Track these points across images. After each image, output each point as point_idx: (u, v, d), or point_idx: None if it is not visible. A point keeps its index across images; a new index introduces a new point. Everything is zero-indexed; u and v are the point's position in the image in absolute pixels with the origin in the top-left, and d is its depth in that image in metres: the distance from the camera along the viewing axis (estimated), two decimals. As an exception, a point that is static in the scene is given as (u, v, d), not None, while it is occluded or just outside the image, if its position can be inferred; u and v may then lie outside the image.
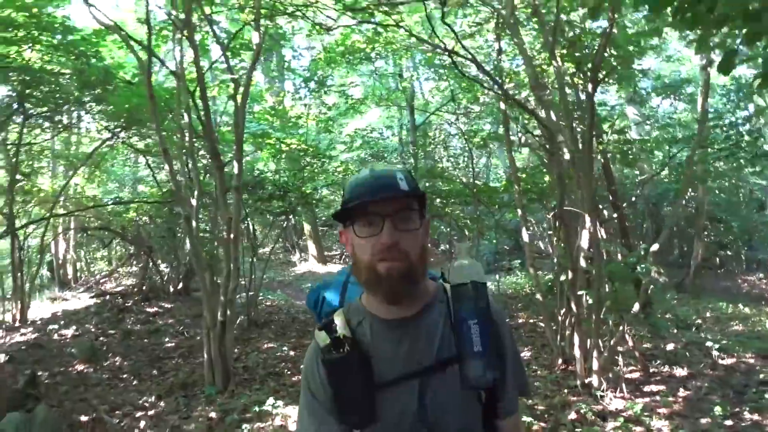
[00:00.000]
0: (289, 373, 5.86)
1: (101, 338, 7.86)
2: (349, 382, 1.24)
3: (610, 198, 7.26)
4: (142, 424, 4.58)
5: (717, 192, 12.63)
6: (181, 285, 11.00)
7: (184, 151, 5.64)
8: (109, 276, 14.03)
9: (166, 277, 11.28)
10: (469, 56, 5.54)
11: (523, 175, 7.19)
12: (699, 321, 8.06)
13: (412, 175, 1.32)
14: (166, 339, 7.76)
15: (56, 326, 8.60)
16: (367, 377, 1.23)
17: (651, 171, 9.67)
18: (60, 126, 9.39)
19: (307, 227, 15.99)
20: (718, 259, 13.86)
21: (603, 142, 6.31)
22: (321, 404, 1.27)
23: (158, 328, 8.48)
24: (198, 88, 5.01)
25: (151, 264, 11.01)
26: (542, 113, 4.74)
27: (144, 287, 10.80)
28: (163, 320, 8.95)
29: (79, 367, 6.58)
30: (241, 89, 5.34)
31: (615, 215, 7.20)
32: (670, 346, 6.10)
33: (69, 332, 8.32)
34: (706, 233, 12.69)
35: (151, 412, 4.84)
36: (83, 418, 4.80)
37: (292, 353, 6.69)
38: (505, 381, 1.30)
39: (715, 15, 2.11)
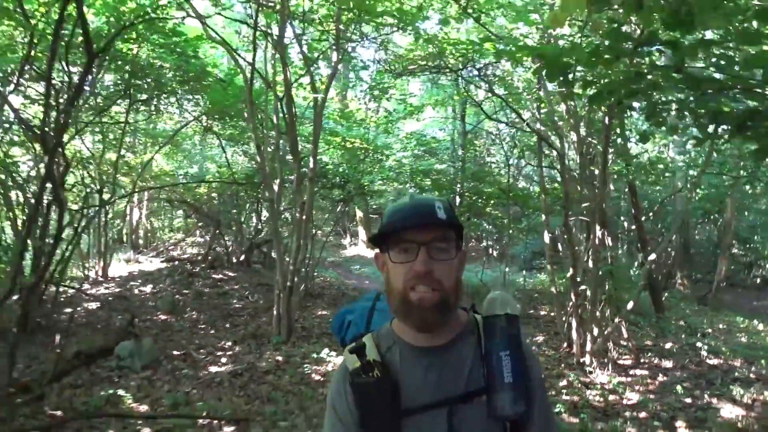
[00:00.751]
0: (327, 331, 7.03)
1: (177, 296, 9.10)
2: (377, 407, 1.25)
3: (632, 211, 8.14)
4: (224, 359, 5.82)
5: (746, 213, 13.12)
6: (243, 257, 12.22)
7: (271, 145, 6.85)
8: (177, 244, 15.36)
9: (230, 249, 12.54)
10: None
11: (555, 185, 8.12)
12: (709, 330, 8.79)
13: (452, 206, 1.35)
14: (234, 300, 9.00)
15: (135, 283, 9.83)
16: (394, 403, 1.24)
17: (678, 188, 10.35)
18: (156, 111, 10.68)
19: (359, 214, 17.20)
20: (747, 278, 14.32)
21: (625, 163, 7.18)
22: (346, 427, 1.28)
23: (225, 291, 9.70)
24: (285, 96, 6.19)
25: (217, 236, 12.28)
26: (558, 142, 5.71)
27: (209, 256, 12.02)
28: (228, 286, 10.15)
29: (162, 317, 7.84)
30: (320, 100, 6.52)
31: (634, 227, 8.08)
32: (668, 345, 6.99)
33: (147, 289, 9.53)
34: (734, 251, 13.20)
35: (229, 353, 6.07)
36: (175, 353, 6.07)
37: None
38: (531, 415, 1.27)
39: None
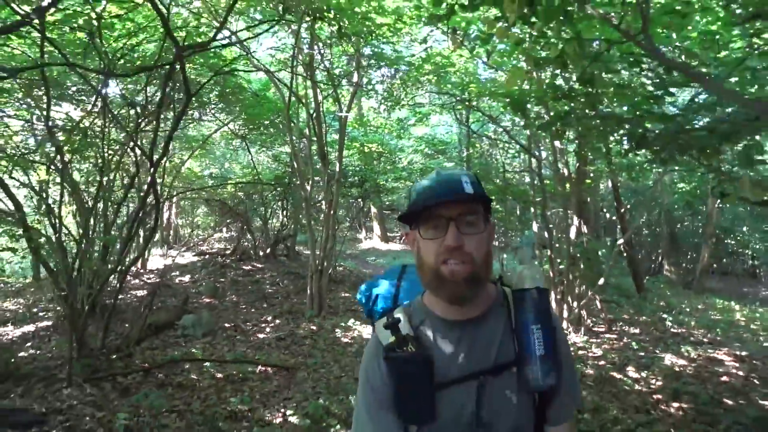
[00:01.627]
0: (361, 311, 8.29)
1: (215, 284, 10.35)
2: (412, 381, 1.26)
3: (615, 203, 9.32)
4: (267, 329, 7.08)
5: (727, 205, 14.15)
6: (269, 250, 13.45)
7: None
8: (206, 240, 16.56)
9: (257, 243, 13.75)
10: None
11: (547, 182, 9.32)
12: (687, 309, 9.93)
13: (479, 179, 1.32)
14: (267, 286, 10.24)
15: (174, 274, 11.09)
16: (429, 377, 1.25)
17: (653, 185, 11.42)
18: (193, 120, 11.92)
19: (373, 210, 18.46)
20: (736, 266, 15.41)
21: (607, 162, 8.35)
22: (380, 401, 1.29)
23: (257, 279, 10.92)
24: (315, 112, 7.45)
25: (245, 231, 13.47)
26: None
27: (238, 250, 13.19)
28: (259, 275, 11.37)
29: (206, 300, 9.09)
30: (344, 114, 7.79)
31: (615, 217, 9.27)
32: (642, 318, 8.17)
33: (186, 279, 10.74)
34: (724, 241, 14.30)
35: (271, 325, 7.33)
36: (226, 325, 7.34)
37: (362, 298, 9.11)
38: (560, 387, 1.28)
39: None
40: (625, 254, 10.26)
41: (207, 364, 5.43)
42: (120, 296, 8.46)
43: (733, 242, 15.19)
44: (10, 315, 7.98)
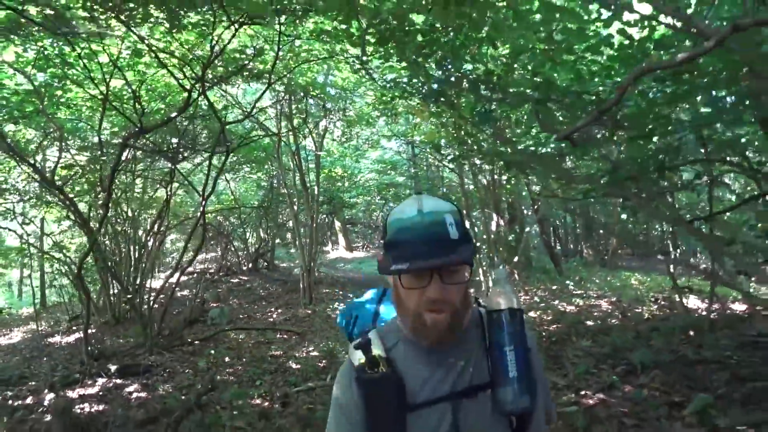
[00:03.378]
0: (340, 301, 10.70)
1: (216, 292, 12.54)
2: (383, 402, 1.25)
3: (531, 201, 11.99)
4: (274, 316, 9.39)
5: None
6: (251, 264, 15.64)
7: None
8: (191, 261, 18.56)
9: (240, 259, 15.89)
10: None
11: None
12: (597, 280, 12.57)
13: (461, 214, 1.28)
14: (260, 291, 12.52)
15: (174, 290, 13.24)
16: (400, 398, 1.24)
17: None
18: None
19: (338, 224, 20.88)
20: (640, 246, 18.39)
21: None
22: (352, 424, 1.29)
23: (249, 287, 13.18)
24: (296, 150, 9.87)
25: (228, 248, 15.59)
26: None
27: (223, 266, 15.27)
28: (249, 284, 13.65)
29: (213, 305, 11.31)
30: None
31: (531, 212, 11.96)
32: (554, 287, 10.77)
33: (185, 292, 12.92)
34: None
35: (275, 313, 9.64)
36: (241, 316, 9.61)
37: (339, 293, 11.50)
38: (536, 407, 1.25)
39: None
40: (543, 241, 12.98)
41: (242, 335, 7.76)
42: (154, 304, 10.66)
43: (633, 228, 18.13)
44: (52, 329, 10.09)
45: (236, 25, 5.40)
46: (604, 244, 17.58)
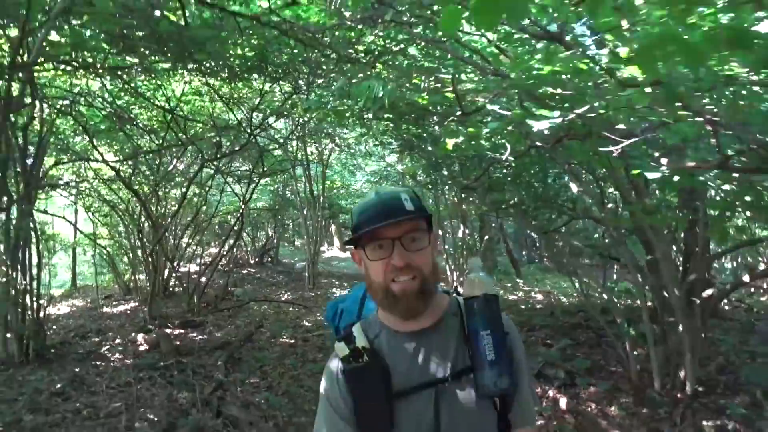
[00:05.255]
0: (337, 287, 13.25)
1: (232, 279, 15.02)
2: (369, 392, 1.30)
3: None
4: (285, 296, 11.91)
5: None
6: (258, 259, 18.13)
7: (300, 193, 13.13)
8: (202, 253, 21.03)
9: (248, 254, 18.38)
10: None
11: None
12: (547, 281, 15.19)
13: (417, 195, 1.36)
14: (268, 280, 15.03)
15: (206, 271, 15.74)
16: (386, 386, 1.29)
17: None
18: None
19: (333, 227, 23.46)
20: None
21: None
22: (340, 415, 1.32)
23: (258, 277, 15.68)
24: (307, 168, 12.44)
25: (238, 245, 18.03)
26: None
27: (232, 259, 17.70)
28: (258, 275, 16.14)
29: (231, 289, 13.80)
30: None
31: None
32: (508, 284, 13.37)
33: (203, 280, 15.46)
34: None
35: (285, 295, 12.15)
36: (257, 296, 12.11)
37: (336, 282, 14.05)
38: (518, 390, 1.32)
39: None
40: (505, 248, 15.63)
41: (264, 306, 10.30)
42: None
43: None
44: (93, 305, 12.48)
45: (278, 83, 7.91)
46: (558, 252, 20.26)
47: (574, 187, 5.87)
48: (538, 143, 2.99)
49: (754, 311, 9.56)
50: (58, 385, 5.63)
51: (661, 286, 5.08)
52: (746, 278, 6.68)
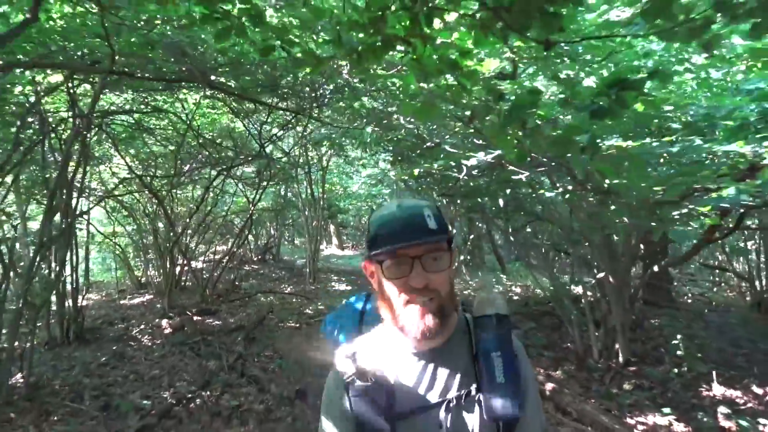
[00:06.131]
0: (336, 281, 14.39)
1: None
2: (372, 412, 1.27)
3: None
4: (288, 289, 13.05)
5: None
6: (260, 256, 19.26)
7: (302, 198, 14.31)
8: (207, 251, 22.21)
9: (251, 252, 19.49)
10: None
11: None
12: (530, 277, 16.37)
13: (440, 211, 1.32)
14: (272, 275, 16.15)
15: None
16: (389, 407, 1.26)
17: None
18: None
19: (332, 226, 24.63)
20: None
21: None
22: None
23: (261, 273, 16.79)
24: (308, 174, 13.59)
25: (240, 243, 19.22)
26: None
27: (234, 256, 18.90)
28: (261, 271, 17.26)
29: (237, 283, 14.95)
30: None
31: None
32: (494, 279, 14.54)
33: (215, 273, 16.63)
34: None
35: (288, 288, 13.28)
36: (262, 289, 13.24)
37: (334, 278, 15.19)
38: (525, 414, 1.29)
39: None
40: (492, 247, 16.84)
41: (270, 297, 11.44)
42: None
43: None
44: (108, 298, 13.58)
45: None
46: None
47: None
48: (474, 171, 4.17)
49: (713, 304, 10.73)
50: (103, 359, 6.76)
51: (600, 279, 6.25)
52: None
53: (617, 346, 6.02)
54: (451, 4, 1.91)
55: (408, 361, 1.33)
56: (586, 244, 6.35)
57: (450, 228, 1.38)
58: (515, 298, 10.94)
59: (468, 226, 16.12)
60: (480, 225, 15.62)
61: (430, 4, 1.91)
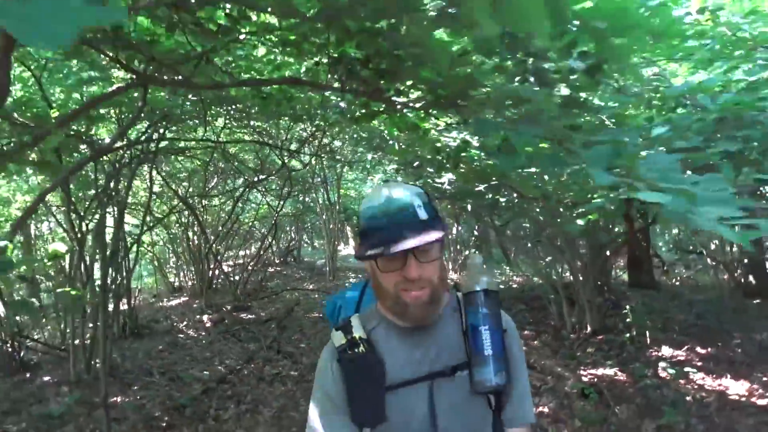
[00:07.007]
0: (354, 277, 15.70)
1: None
2: (363, 381, 1.31)
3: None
4: (311, 286, 14.40)
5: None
6: (282, 259, 20.65)
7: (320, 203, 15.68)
8: (236, 255, 23.71)
9: (273, 254, 20.88)
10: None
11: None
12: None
13: (429, 196, 1.34)
14: (294, 275, 17.52)
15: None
16: (379, 377, 1.30)
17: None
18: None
19: (348, 228, 26.02)
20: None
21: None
22: (333, 403, 1.33)
23: (285, 273, 18.19)
24: (324, 181, 14.94)
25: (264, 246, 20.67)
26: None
27: (259, 259, 20.36)
28: (284, 272, 18.65)
29: (264, 283, 16.34)
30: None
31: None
32: (498, 271, 15.76)
33: (244, 275, 18.04)
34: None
35: (310, 286, 14.64)
36: (288, 288, 14.61)
37: (352, 275, 16.50)
38: (513, 387, 1.33)
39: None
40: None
41: (295, 294, 12.80)
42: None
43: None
44: (156, 299, 14.99)
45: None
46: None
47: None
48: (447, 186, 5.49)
49: (698, 286, 11.83)
50: (160, 347, 8.13)
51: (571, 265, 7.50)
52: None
53: (587, 320, 7.26)
54: (406, 95, 3.20)
55: (399, 336, 1.37)
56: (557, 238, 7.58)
57: (440, 213, 1.38)
58: (514, 286, 12.18)
59: (475, 220, 17.36)
60: (486, 219, 16.84)
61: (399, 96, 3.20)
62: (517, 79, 2.60)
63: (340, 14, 2.11)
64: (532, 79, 2.51)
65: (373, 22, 2.28)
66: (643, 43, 2.23)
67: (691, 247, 13.02)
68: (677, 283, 12.81)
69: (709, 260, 11.25)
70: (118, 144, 5.76)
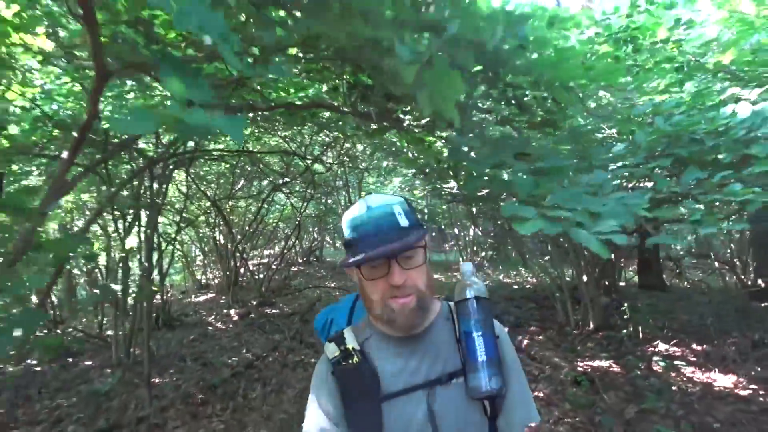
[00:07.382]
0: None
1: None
2: (358, 393, 1.32)
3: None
4: (333, 285, 14.98)
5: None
6: (305, 258, 21.27)
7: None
8: (260, 253, 24.45)
9: (297, 253, 21.58)
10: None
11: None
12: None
13: (410, 203, 1.38)
14: (316, 275, 18.11)
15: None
16: (375, 388, 1.31)
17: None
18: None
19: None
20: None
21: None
22: (328, 417, 1.33)
23: (307, 273, 18.80)
24: (346, 186, 15.53)
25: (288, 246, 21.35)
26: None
27: (283, 258, 21.02)
28: (307, 271, 19.26)
29: (287, 281, 16.97)
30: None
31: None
32: (514, 272, 16.20)
33: (269, 273, 18.68)
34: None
35: (332, 284, 15.20)
36: (310, 285, 15.22)
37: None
38: (508, 393, 1.34)
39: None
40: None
41: (317, 292, 13.39)
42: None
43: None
44: (184, 295, 15.68)
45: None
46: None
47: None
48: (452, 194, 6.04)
49: (706, 289, 12.15)
50: (191, 337, 8.78)
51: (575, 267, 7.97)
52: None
53: (590, 318, 7.73)
54: (412, 114, 3.76)
55: (392, 346, 1.39)
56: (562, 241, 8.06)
57: (422, 221, 1.39)
58: (528, 286, 12.63)
59: (492, 223, 17.83)
60: (501, 222, 17.30)
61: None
62: (503, 103, 3.14)
63: (347, 55, 2.66)
64: (513, 102, 3.05)
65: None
66: (584, 86, 2.75)
67: (693, 250, 13.30)
68: (688, 286, 13.10)
69: (717, 264, 11.56)
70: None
